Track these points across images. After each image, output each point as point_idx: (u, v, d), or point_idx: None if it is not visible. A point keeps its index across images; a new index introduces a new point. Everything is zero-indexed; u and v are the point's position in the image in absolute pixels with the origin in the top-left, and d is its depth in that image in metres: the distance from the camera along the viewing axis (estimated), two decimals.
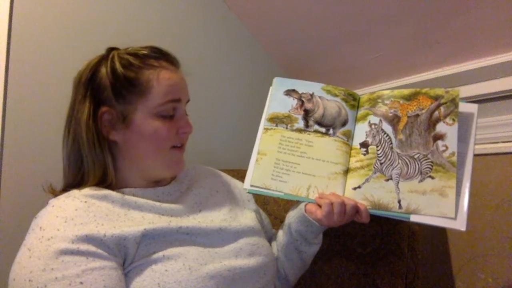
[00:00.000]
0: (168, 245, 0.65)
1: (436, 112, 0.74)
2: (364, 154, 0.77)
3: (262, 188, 0.78)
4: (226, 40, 1.50)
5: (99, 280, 0.57)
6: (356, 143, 0.79)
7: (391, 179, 0.74)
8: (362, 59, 1.39)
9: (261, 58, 1.60)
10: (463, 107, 0.75)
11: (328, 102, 0.82)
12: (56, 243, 0.57)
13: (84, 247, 0.58)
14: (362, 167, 0.77)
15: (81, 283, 0.55)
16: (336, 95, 0.82)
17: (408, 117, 0.76)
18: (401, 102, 0.78)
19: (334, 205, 0.72)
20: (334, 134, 0.80)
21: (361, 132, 0.79)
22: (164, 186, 0.78)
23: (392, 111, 0.77)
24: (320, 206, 0.75)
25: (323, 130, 0.81)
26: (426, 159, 0.73)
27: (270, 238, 0.94)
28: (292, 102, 0.83)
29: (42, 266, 0.55)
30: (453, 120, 0.73)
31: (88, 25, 1.15)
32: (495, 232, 1.08)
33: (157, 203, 0.72)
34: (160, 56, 0.75)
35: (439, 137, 0.73)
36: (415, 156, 0.74)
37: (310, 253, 0.84)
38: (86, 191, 0.67)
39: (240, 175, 0.86)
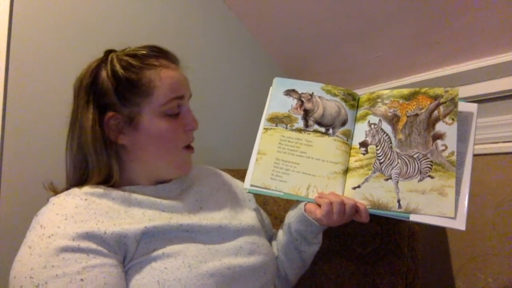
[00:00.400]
0: (168, 243, 0.65)
1: (436, 112, 0.74)
2: (364, 154, 0.77)
3: (262, 187, 0.78)
4: (226, 40, 1.50)
5: (99, 277, 0.57)
6: (355, 142, 0.79)
7: (391, 178, 0.74)
8: (362, 59, 1.39)
9: (261, 58, 1.60)
10: (463, 106, 0.75)
11: (328, 102, 0.82)
12: (57, 240, 0.58)
13: (84, 244, 0.58)
14: (361, 167, 0.77)
15: (82, 280, 0.56)
16: (335, 95, 0.82)
17: (408, 116, 0.76)
18: (400, 101, 0.78)
19: (334, 204, 0.72)
20: (333, 133, 0.80)
21: (360, 131, 0.79)
22: (165, 184, 0.78)
23: (391, 110, 0.78)
24: (319, 205, 0.75)
25: (323, 130, 0.81)
26: (425, 159, 0.73)
27: (271, 238, 0.94)
28: (292, 102, 0.83)
29: (43, 264, 0.56)
30: (453, 119, 0.73)
31: (88, 25, 1.15)
32: (495, 232, 1.08)
33: (158, 200, 0.72)
34: (159, 54, 0.75)
35: (439, 136, 0.73)
36: (415, 156, 0.74)
37: (310, 253, 0.84)
38: (86, 189, 0.67)
39: (240, 175, 0.86)
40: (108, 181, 0.72)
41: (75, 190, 0.67)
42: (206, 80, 1.42)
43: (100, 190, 0.68)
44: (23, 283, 0.55)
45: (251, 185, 0.79)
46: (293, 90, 0.83)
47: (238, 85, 1.54)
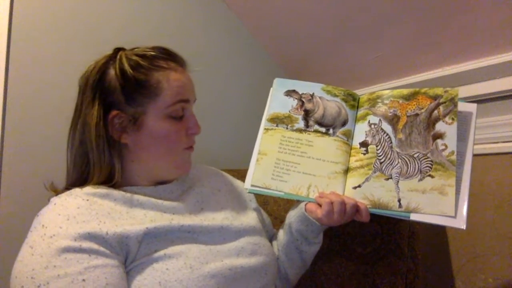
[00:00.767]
0: (170, 244, 0.65)
1: (436, 112, 0.75)
2: (364, 154, 0.78)
3: (262, 188, 0.79)
4: (226, 40, 1.50)
5: (101, 278, 0.57)
6: (356, 142, 0.80)
7: (391, 178, 0.74)
8: (362, 59, 1.39)
9: (261, 58, 1.60)
10: (462, 106, 0.76)
11: (328, 102, 0.82)
12: (58, 240, 0.58)
13: (86, 244, 0.58)
14: (362, 167, 0.77)
15: (84, 280, 0.56)
16: (336, 95, 0.82)
17: (408, 116, 0.76)
18: (400, 101, 0.78)
19: (334, 204, 0.72)
20: (334, 134, 0.80)
21: (361, 131, 0.79)
22: (166, 184, 0.78)
23: (391, 110, 0.78)
24: (320, 205, 0.75)
25: (323, 130, 0.81)
26: (425, 158, 0.73)
27: (271, 238, 0.95)
28: (293, 102, 0.83)
29: (45, 264, 0.56)
30: (452, 119, 0.73)
31: (88, 25, 1.15)
32: (495, 232, 1.08)
33: (159, 201, 0.72)
34: (168, 57, 0.75)
35: (439, 136, 0.73)
36: (415, 155, 0.74)
37: (310, 253, 0.85)
38: (88, 189, 0.67)
39: (241, 175, 0.86)
40: (109, 180, 0.72)
41: (77, 191, 0.67)
42: (206, 80, 1.42)
43: (102, 190, 0.67)
44: (24, 283, 0.55)
45: (252, 185, 0.79)
46: (294, 91, 0.83)
47: (238, 85, 1.54)
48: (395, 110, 0.78)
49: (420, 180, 0.72)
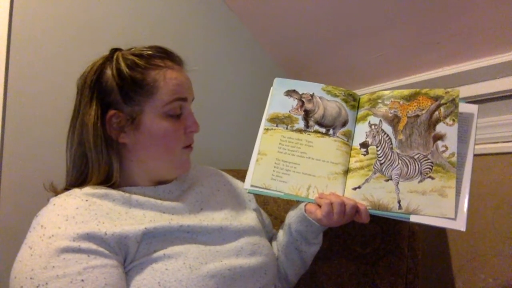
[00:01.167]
0: (169, 244, 0.65)
1: (436, 113, 0.75)
2: (364, 155, 0.77)
3: (262, 188, 0.79)
4: (226, 40, 1.50)
5: (100, 278, 0.57)
6: (356, 143, 0.80)
7: (391, 179, 0.74)
8: (362, 59, 1.39)
9: (261, 58, 1.60)
10: (463, 107, 0.76)
11: (328, 102, 0.82)
12: (57, 241, 0.58)
13: (85, 245, 0.58)
14: (362, 167, 0.77)
15: (82, 280, 0.56)
16: (336, 96, 0.82)
17: (408, 117, 0.76)
18: (401, 102, 0.78)
19: (334, 205, 0.72)
20: (334, 134, 0.80)
21: (361, 132, 0.79)
22: (165, 184, 0.78)
23: (392, 111, 0.78)
24: (320, 206, 0.75)
25: (323, 130, 0.81)
26: (426, 160, 0.73)
27: (271, 238, 0.94)
28: (293, 102, 0.83)
29: (44, 264, 0.56)
30: (453, 120, 0.73)
31: (88, 26, 1.15)
32: (495, 232, 1.08)
33: (159, 201, 0.72)
34: (164, 55, 0.75)
35: (439, 137, 0.73)
36: (415, 157, 0.74)
37: (310, 253, 0.85)
38: (87, 189, 0.67)
39: (241, 175, 0.86)
40: (108, 180, 0.72)
41: (76, 191, 0.67)
42: (206, 80, 1.42)
43: (101, 191, 0.67)
44: (23, 284, 0.55)
45: (252, 186, 0.79)
46: (294, 91, 0.83)
47: (239, 85, 1.54)
48: (395, 111, 0.77)
49: (420, 181, 0.72)
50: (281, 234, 0.88)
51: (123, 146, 0.73)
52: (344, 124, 0.81)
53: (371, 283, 0.90)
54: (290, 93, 0.83)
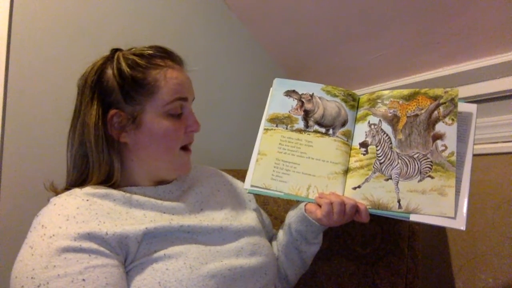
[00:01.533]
0: (169, 244, 0.66)
1: (435, 112, 0.75)
2: (364, 154, 0.77)
3: (262, 188, 0.79)
4: (226, 41, 1.50)
5: (101, 278, 0.57)
6: (355, 143, 0.80)
7: (391, 178, 0.74)
8: (362, 59, 1.39)
9: (261, 59, 1.60)
10: (462, 107, 0.76)
11: (328, 102, 0.82)
12: (58, 240, 0.58)
13: (86, 244, 0.58)
14: (361, 167, 0.77)
15: (83, 280, 0.56)
16: (335, 96, 0.82)
17: (408, 117, 0.76)
18: (400, 102, 0.78)
19: (334, 204, 0.72)
20: (334, 134, 0.80)
21: (360, 132, 0.79)
22: (165, 185, 0.78)
23: (391, 111, 0.78)
24: (320, 205, 0.75)
25: (323, 130, 0.81)
26: (425, 159, 0.73)
27: (271, 238, 0.94)
28: (292, 102, 0.83)
29: (44, 264, 0.56)
30: (452, 120, 0.73)
31: (88, 26, 1.15)
32: (495, 232, 1.08)
33: (159, 201, 0.72)
34: (165, 55, 0.76)
35: (439, 137, 0.73)
36: (415, 156, 0.74)
37: (310, 253, 0.85)
38: (88, 189, 0.67)
39: (241, 175, 0.86)
40: (108, 180, 0.72)
41: (76, 191, 0.67)
42: (206, 80, 1.42)
43: (101, 190, 0.68)
44: (24, 283, 0.55)
45: (252, 186, 0.79)
46: (294, 91, 0.83)
47: (239, 85, 1.54)
48: (395, 111, 0.78)
49: (420, 180, 0.72)
50: (281, 234, 0.88)
51: (124, 145, 0.73)
52: (344, 124, 0.81)
53: (371, 283, 0.90)
54: (289, 93, 0.83)
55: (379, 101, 0.79)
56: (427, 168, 0.72)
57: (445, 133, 0.73)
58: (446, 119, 0.74)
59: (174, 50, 0.79)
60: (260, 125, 0.83)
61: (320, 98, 0.82)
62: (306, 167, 0.79)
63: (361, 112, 0.81)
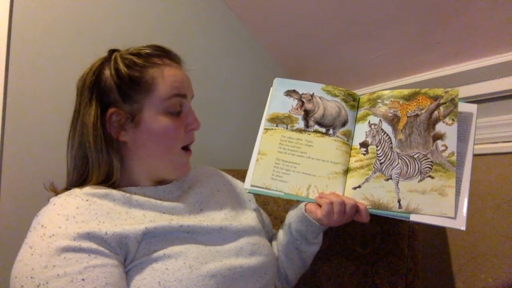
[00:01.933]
0: (169, 244, 0.65)
1: (436, 112, 0.75)
2: (364, 154, 0.77)
3: (262, 188, 0.79)
4: (226, 41, 1.50)
5: (101, 277, 0.57)
6: (356, 143, 0.80)
7: (391, 178, 0.74)
8: (362, 59, 1.39)
9: (262, 59, 1.60)
10: (463, 107, 0.76)
11: (328, 102, 0.82)
12: (58, 240, 0.58)
13: (86, 244, 0.58)
14: (362, 167, 0.77)
15: (83, 279, 0.56)
16: (336, 96, 0.82)
17: (408, 117, 0.76)
18: (400, 102, 0.78)
19: (334, 204, 0.72)
20: (334, 134, 0.80)
21: (361, 132, 0.79)
22: (165, 185, 0.78)
23: (391, 111, 0.78)
24: (320, 205, 0.75)
25: (323, 130, 0.81)
26: (425, 159, 0.73)
27: (271, 238, 0.94)
28: (293, 102, 0.83)
29: (44, 263, 0.56)
30: (453, 120, 0.73)
31: (88, 26, 1.15)
32: (495, 232, 1.08)
33: (159, 201, 0.72)
34: (162, 54, 0.76)
35: (439, 137, 0.73)
36: (415, 156, 0.74)
37: (310, 253, 0.85)
38: (87, 189, 0.67)
39: (241, 175, 0.86)
40: (108, 180, 0.72)
41: (76, 191, 0.67)
42: (206, 80, 1.42)
43: (101, 190, 0.68)
44: (24, 283, 0.55)
45: (252, 185, 0.79)
46: (294, 91, 0.83)
47: (239, 85, 1.54)
48: (395, 111, 0.78)
49: (420, 181, 0.72)
50: (281, 234, 0.88)
51: (124, 145, 0.73)
52: (344, 124, 0.81)
53: (371, 283, 0.90)
54: (290, 93, 0.83)
55: (379, 101, 0.79)
56: (427, 168, 0.72)
57: (446, 133, 0.73)
58: (447, 119, 0.74)
59: (172, 49, 0.79)
60: (260, 125, 0.83)
61: (320, 98, 0.82)
62: (306, 167, 0.78)
63: (361, 112, 0.81)
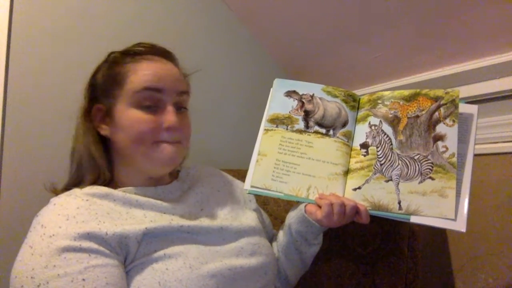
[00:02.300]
0: (169, 244, 0.66)
1: (436, 113, 0.75)
2: (364, 155, 0.77)
3: (262, 188, 0.79)
4: (226, 41, 1.50)
5: (101, 277, 0.57)
6: (356, 144, 0.80)
7: (391, 180, 0.74)
8: (362, 59, 1.39)
9: (262, 59, 1.60)
10: (463, 108, 0.76)
11: (329, 103, 0.82)
12: (58, 240, 0.58)
13: (86, 244, 0.58)
14: (362, 168, 0.77)
15: (83, 280, 0.56)
16: (336, 96, 0.82)
17: (408, 118, 0.76)
18: (401, 103, 0.78)
19: (334, 205, 0.72)
20: (334, 135, 0.80)
21: (361, 133, 0.79)
22: (165, 185, 0.79)
23: (392, 112, 0.78)
24: (320, 206, 0.75)
25: (323, 131, 0.81)
26: (426, 160, 0.73)
27: (271, 238, 0.95)
28: (293, 103, 0.83)
29: (44, 263, 0.56)
30: (453, 121, 0.73)
31: (89, 26, 1.15)
32: (495, 232, 1.08)
33: (159, 202, 0.72)
34: (148, 50, 0.77)
35: (439, 138, 0.73)
36: (415, 157, 0.74)
37: (310, 254, 0.85)
38: (88, 189, 0.68)
39: (241, 175, 0.86)
40: (100, 179, 0.73)
41: (76, 191, 0.67)
42: (206, 80, 1.42)
43: (101, 191, 0.68)
44: (24, 283, 0.55)
45: (252, 186, 0.79)
46: (294, 91, 0.83)
47: (239, 85, 1.54)
48: (395, 112, 0.77)
49: (421, 182, 0.72)
50: (281, 235, 0.88)
51: (112, 145, 0.75)
52: (344, 124, 0.81)
53: (371, 283, 0.90)
54: (290, 93, 0.83)
55: (379, 102, 0.79)
56: (428, 170, 0.72)
57: (446, 134, 0.73)
58: (447, 120, 0.74)
59: (161, 45, 0.79)
60: (260, 126, 0.83)
61: (320, 98, 0.82)
62: (306, 167, 0.78)
63: (361, 113, 0.81)
